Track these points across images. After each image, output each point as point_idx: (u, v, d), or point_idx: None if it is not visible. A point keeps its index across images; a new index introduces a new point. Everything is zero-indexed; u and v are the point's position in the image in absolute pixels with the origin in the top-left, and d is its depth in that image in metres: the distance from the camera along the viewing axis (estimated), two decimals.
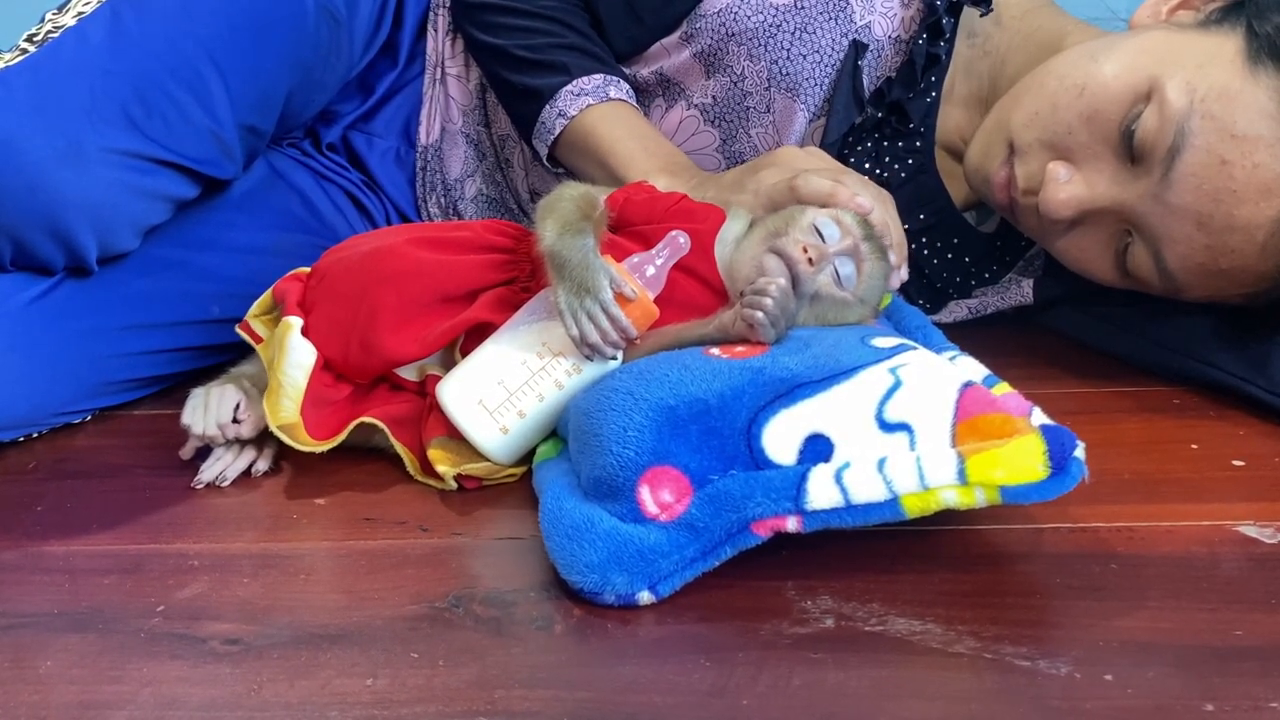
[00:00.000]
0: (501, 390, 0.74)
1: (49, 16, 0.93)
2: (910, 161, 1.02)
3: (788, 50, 0.98)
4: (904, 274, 0.83)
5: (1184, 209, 0.81)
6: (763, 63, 0.98)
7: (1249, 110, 0.78)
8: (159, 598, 0.64)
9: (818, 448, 0.62)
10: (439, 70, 1.13)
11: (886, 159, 1.02)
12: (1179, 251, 0.83)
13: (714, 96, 1.02)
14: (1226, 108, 0.78)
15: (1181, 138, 0.79)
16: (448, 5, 1.11)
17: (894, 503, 0.59)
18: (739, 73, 1.00)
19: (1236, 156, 0.78)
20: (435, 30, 1.12)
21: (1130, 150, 0.82)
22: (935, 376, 0.65)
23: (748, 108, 1.02)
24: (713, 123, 1.04)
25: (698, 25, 1.00)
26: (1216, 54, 0.80)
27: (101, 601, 0.64)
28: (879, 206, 0.80)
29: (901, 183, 1.02)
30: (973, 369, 0.72)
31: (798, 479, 0.60)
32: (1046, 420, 0.62)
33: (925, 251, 1.05)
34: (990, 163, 0.92)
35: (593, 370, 0.74)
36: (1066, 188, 0.85)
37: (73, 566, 0.69)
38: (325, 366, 0.80)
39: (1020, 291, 1.05)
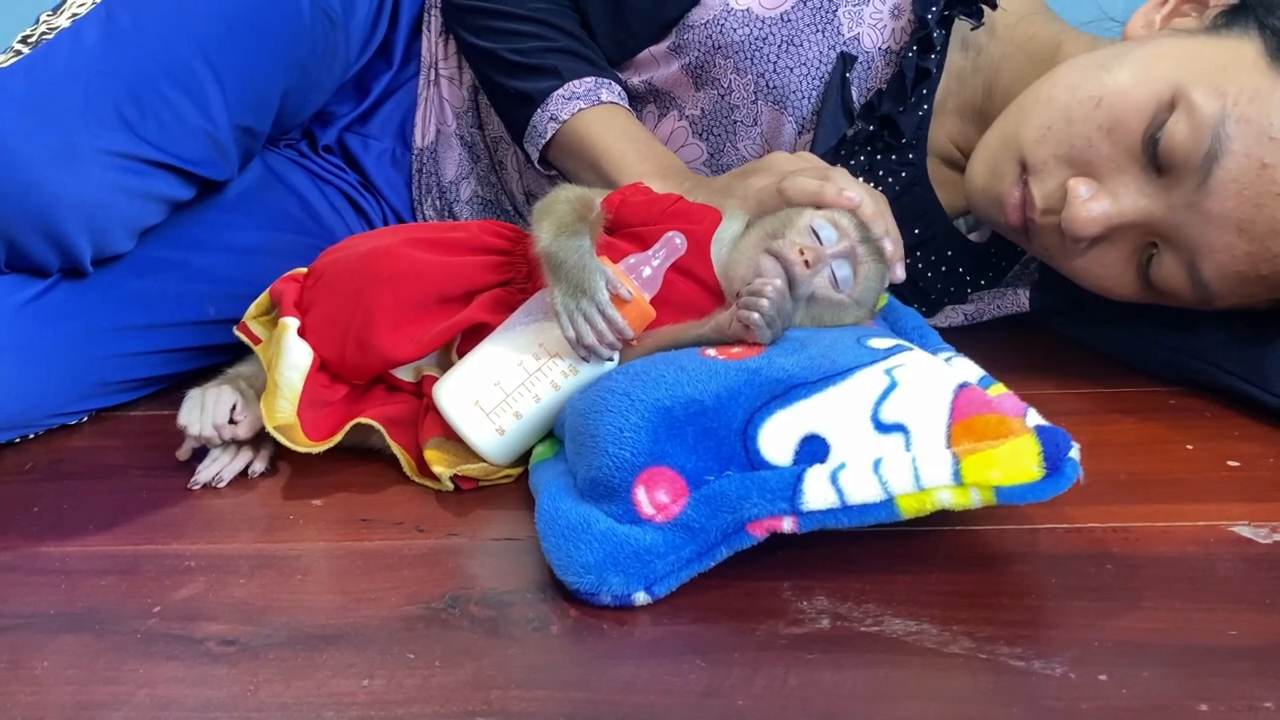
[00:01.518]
0: (498, 391, 0.74)
1: (43, 18, 0.92)
2: (903, 175, 1.01)
3: (774, 63, 0.97)
4: (900, 273, 0.80)
5: (1224, 216, 0.79)
6: (749, 75, 0.98)
7: None
8: (155, 598, 0.64)
9: (813, 448, 0.62)
10: (433, 72, 1.13)
11: (879, 173, 1.01)
12: (1218, 261, 0.81)
13: (703, 109, 1.02)
14: (1261, 110, 0.77)
15: (1219, 143, 0.77)
16: (441, 6, 1.11)
17: (889, 503, 0.59)
18: (726, 85, 1.00)
19: (1276, 158, 0.76)
20: (429, 31, 1.12)
21: (1156, 160, 0.80)
22: (931, 377, 0.65)
23: (735, 121, 1.01)
24: (700, 135, 1.03)
25: (686, 37, 1.00)
26: (1236, 57, 0.79)
27: (98, 602, 0.64)
28: (869, 199, 0.79)
29: (895, 196, 1.01)
30: (968, 370, 0.72)
31: (793, 480, 0.60)
32: (1042, 421, 0.62)
33: (920, 264, 1.04)
34: (1000, 182, 0.89)
35: (589, 371, 0.74)
36: (1091, 204, 0.82)
37: (69, 567, 0.69)
38: (322, 367, 0.80)
39: (1016, 300, 1.04)
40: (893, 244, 0.79)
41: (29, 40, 0.89)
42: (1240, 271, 0.81)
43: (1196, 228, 0.80)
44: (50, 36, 0.88)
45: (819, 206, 0.78)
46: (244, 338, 0.84)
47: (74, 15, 0.90)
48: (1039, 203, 0.86)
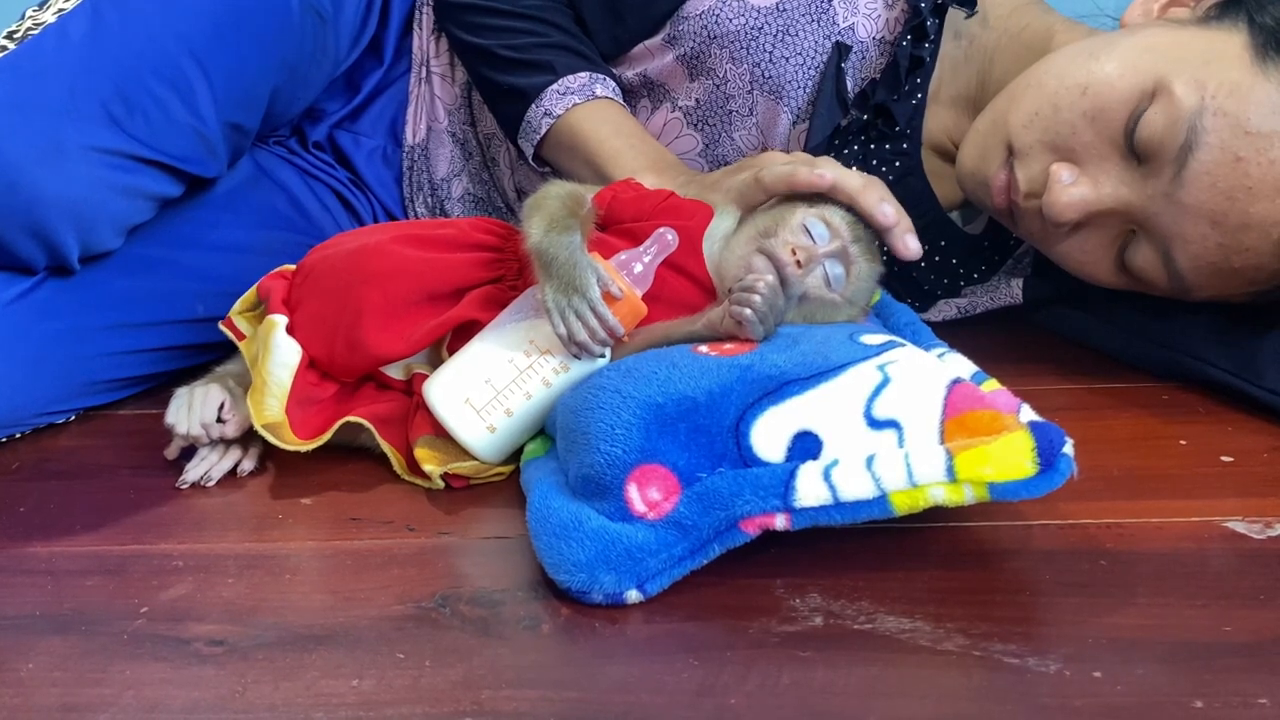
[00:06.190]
0: (488, 388, 0.73)
1: (29, 13, 0.92)
2: (897, 164, 1.01)
3: (770, 53, 0.97)
4: (915, 245, 0.79)
5: (1197, 208, 0.79)
6: (745, 65, 0.98)
7: (1261, 106, 0.77)
8: (143, 599, 0.64)
9: (806, 445, 0.62)
10: (424, 69, 1.12)
11: (873, 162, 1.01)
12: (1191, 251, 0.81)
13: (697, 99, 1.02)
14: (1238, 104, 0.77)
15: (1194, 135, 0.78)
16: (432, 3, 1.10)
17: (882, 500, 0.59)
18: (722, 75, 1.00)
19: (1251, 153, 0.77)
20: (420, 28, 1.11)
21: (1136, 150, 0.81)
22: (924, 373, 0.65)
23: (730, 111, 1.01)
24: (695, 126, 1.03)
25: (680, 28, 0.99)
26: (1221, 50, 0.79)
27: (85, 603, 0.64)
28: (853, 176, 0.78)
29: (889, 186, 1.01)
30: (961, 366, 0.72)
31: (786, 476, 0.60)
32: (1035, 417, 0.61)
33: None
34: (987, 166, 0.90)
35: (580, 368, 0.73)
36: (1072, 190, 0.83)
37: (56, 568, 0.68)
38: (310, 365, 0.80)
39: (1009, 291, 1.04)
40: (894, 212, 0.78)
41: (14, 36, 0.89)
42: (1213, 263, 0.82)
43: (1171, 218, 0.81)
44: (36, 32, 0.88)
45: (794, 189, 0.77)
46: (228, 333, 0.83)
47: (60, 11, 0.89)
48: (1023, 186, 0.87)
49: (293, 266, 0.85)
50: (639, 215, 0.80)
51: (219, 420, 0.79)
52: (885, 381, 0.64)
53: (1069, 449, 0.58)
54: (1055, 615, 0.59)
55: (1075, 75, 0.84)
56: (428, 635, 0.59)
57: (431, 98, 1.13)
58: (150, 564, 0.68)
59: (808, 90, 0.99)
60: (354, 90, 1.13)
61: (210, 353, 0.95)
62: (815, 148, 0.98)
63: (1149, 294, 0.89)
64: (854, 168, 1.00)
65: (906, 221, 0.79)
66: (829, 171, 0.77)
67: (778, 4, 0.97)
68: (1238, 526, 0.67)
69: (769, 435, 0.62)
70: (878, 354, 0.67)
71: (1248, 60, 0.78)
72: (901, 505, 0.59)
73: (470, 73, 1.06)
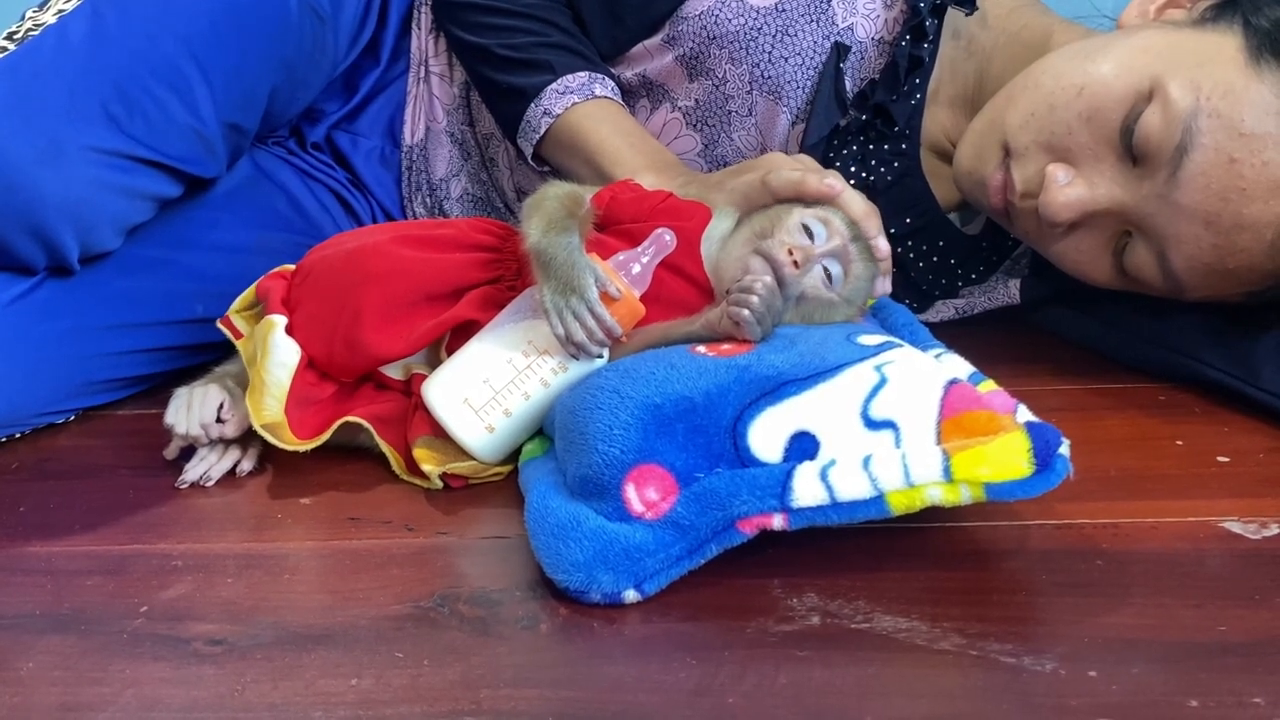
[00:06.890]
0: (487, 389, 0.74)
1: (29, 14, 0.92)
2: (896, 165, 1.01)
3: (769, 53, 0.98)
4: (887, 286, 0.81)
5: (1192, 209, 0.80)
6: (744, 66, 0.98)
7: (1255, 107, 0.77)
8: (142, 598, 0.64)
9: (803, 445, 0.62)
10: (423, 69, 1.12)
11: (872, 162, 1.01)
12: (1186, 252, 0.82)
13: (696, 99, 1.02)
14: (1233, 105, 0.77)
15: (1189, 136, 0.78)
16: (430, 2, 1.10)
17: (879, 500, 0.59)
18: (721, 76, 1.00)
19: (1245, 154, 0.77)
20: (419, 28, 1.11)
21: (1131, 150, 0.81)
22: (920, 374, 0.65)
23: (730, 111, 1.01)
24: (694, 126, 1.03)
25: (679, 28, 1.00)
26: (1216, 52, 0.80)
27: (84, 602, 0.64)
28: (859, 199, 0.79)
29: (887, 186, 1.01)
30: (958, 366, 0.72)
31: (783, 477, 0.60)
32: (1031, 417, 0.62)
33: (911, 255, 1.04)
34: (984, 166, 0.91)
35: (579, 369, 0.74)
36: (1067, 190, 0.84)
37: (55, 567, 0.68)
38: (310, 365, 0.80)
39: (1007, 292, 1.05)
40: (886, 249, 0.79)
41: (14, 37, 0.89)
42: (1207, 264, 0.82)
43: (1166, 218, 0.81)
44: (36, 33, 0.88)
45: (802, 196, 0.78)
46: (226, 331, 0.83)
47: (60, 12, 0.89)
48: (1019, 186, 0.88)
49: (291, 267, 0.85)
50: (637, 216, 0.80)
51: (218, 420, 0.79)
52: (882, 382, 0.64)
53: (1065, 449, 0.59)
54: (1051, 615, 0.59)
55: (1071, 76, 0.84)
56: (426, 635, 0.59)
57: (430, 98, 1.13)
58: (149, 564, 0.68)
59: (807, 90, 0.99)
60: (352, 91, 1.13)
61: (209, 353, 0.95)
62: (813, 148, 0.99)
63: (1145, 294, 0.89)
64: (853, 168, 1.01)
65: (889, 263, 0.80)
66: (838, 183, 0.78)
67: (777, 4, 0.97)
68: (1233, 527, 0.67)
69: (766, 435, 0.63)
70: (875, 354, 0.67)
71: (1242, 62, 0.78)
72: (898, 505, 0.59)
73: (469, 72, 1.06)
